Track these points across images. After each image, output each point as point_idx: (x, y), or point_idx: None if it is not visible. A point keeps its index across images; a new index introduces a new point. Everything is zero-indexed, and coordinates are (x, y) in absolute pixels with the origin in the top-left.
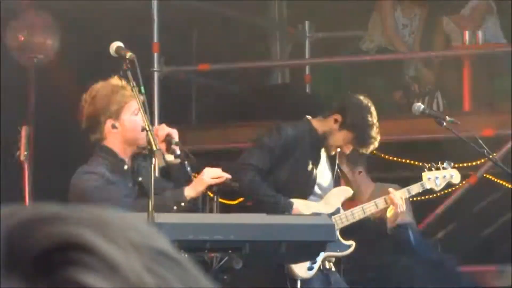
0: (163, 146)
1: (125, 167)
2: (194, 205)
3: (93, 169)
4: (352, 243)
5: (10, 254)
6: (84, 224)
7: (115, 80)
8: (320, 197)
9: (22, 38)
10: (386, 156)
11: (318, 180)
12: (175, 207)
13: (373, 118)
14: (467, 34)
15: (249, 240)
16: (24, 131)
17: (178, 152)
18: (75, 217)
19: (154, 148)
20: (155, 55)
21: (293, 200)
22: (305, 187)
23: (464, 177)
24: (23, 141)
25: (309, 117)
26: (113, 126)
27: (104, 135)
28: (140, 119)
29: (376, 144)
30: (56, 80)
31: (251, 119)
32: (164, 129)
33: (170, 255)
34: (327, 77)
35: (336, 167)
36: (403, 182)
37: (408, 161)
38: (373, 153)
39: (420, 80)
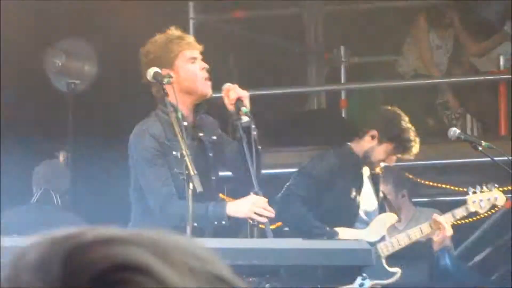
0: (232, 108)
1: (185, 123)
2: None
3: (149, 128)
4: (397, 270)
5: (68, 274)
6: (142, 246)
7: (172, 30)
8: (366, 223)
9: (60, 64)
10: (422, 181)
11: (364, 206)
12: (215, 223)
13: (407, 122)
14: (501, 59)
15: (285, 265)
16: (61, 157)
17: (245, 120)
18: (133, 239)
19: (192, 173)
20: None
21: (338, 229)
22: (350, 215)
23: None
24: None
25: (349, 143)
26: (168, 76)
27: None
28: (198, 68)
29: (417, 146)
30: (93, 106)
31: (287, 144)
32: (235, 91)
33: (227, 280)
34: (362, 102)
35: (381, 191)
36: (440, 207)
37: (445, 185)
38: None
39: (449, 104)
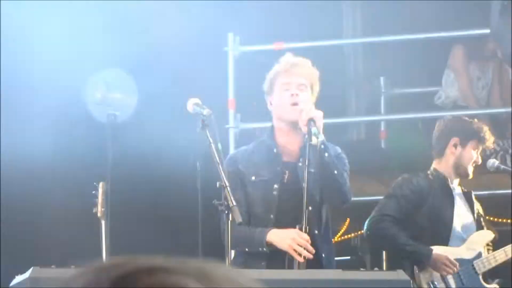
0: (304, 129)
1: (274, 150)
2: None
3: (239, 155)
4: (495, 286)
5: None
6: (187, 275)
7: (286, 56)
8: (463, 240)
9: (100, 95)
10: None
11: (460, 223)
12: (259, 249)
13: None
14: None
15: None
16: (101, 187)
17: (313, 142)
18: (178, 267)
19: (231, 204)
20: (230, 111)
21: (433, 247)
22: (443, 233)
23: None
24: (100, 197)
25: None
26: (270, 103)
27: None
28: (287, 95)
29: (491, 134)
30: (133, 137)
31: None
32: (307, 112)
33: None
34: (402, 133)
35: (476, 208)
36: None
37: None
38: None
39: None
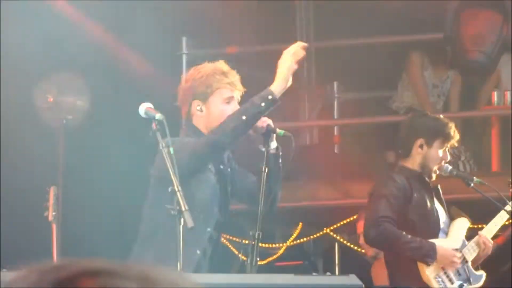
0: (259, 138)
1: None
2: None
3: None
4: (482, 273)
5: None
6: (129, 278)
7: (220, 64)
8: (445, 232)
9: (51, 99)
10: None
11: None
12: (262, 104)
13: (430, 114)
14: (495, 95)
15: None
16: (52, 192)
17: (274, 147)
18: (121, 271)
19: (183, 208)
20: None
21: (432, 240)
22: (433, 226)
23: (493, 237)
24: (51, 201)
25: (401, 163)
26: (199, 109)
27: (190, 115)
28: (230, 110)
29: (455, 132)
30: (85, 141)
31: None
32: (261, 120)
33: None
34: (355, 138)
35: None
36: None
37: None
38: None
39: None
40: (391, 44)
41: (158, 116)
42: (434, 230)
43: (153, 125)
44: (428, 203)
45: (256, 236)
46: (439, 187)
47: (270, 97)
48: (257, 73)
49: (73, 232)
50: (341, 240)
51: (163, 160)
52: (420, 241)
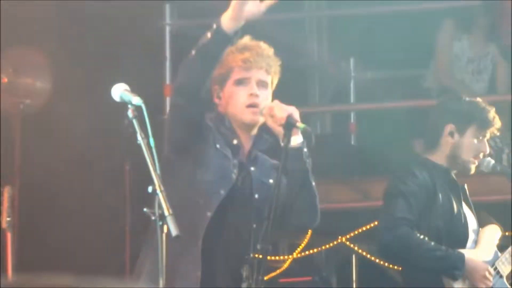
0: (280, 131)
1: (234, 141)
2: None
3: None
4: None
5: None
6: None
7: (245, 38)
8: (474, 241)
9: (6, 80)
10: None
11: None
12: (208, 34)
13: (466, 97)
14: None
15: None
16: (6, 193)
17: (298, 142)
18: None
19: (167, 213)
20: (167, 99)
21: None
22: (461, 234)
23: None
24: (5, 204)
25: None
26: (217, 96)
27: (215, 103)
28: (245, 95)
29: (495, 118)
30: (46, 130)
31: None
32: (282, 109)
33: None
34: (376, 126)
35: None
36: None
37: None
38: None
39: None
40: (420, 12)
41: (136, 100)
42: (461, 238)
43: (130, 112)
44: (455, 206)
45: (264, 251)
46: (465, 187)
47: (214, 25)
48: None
49: (32, 241)
50: (359, 251)
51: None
52: (446, 250)
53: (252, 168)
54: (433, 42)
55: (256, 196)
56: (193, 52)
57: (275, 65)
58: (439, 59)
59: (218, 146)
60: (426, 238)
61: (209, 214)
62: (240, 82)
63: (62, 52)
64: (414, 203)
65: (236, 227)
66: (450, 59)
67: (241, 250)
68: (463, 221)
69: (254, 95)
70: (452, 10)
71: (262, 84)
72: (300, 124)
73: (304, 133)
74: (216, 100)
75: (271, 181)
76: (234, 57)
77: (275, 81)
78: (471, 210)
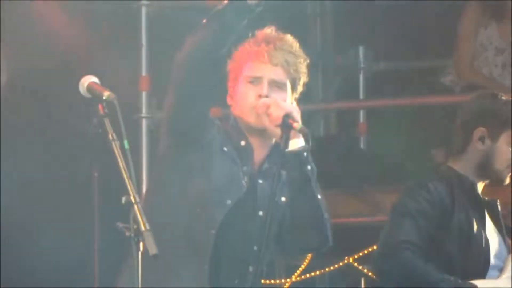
0: (278, 132)
1: (242, 142)
2: None
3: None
4: None
5: None
6: None
7: (266, 30)
8: (499, 269)
9: None
10: None
11: (492, 245)
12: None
13: (502, 96)
14: None
15: None
16: None
17: (299, 146)
18: None
19: (143, 228)
20: (144, 94)
21: (474, 281)
22: (479, 261)
23: None
24: None
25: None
26: (229, 94)
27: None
28: (253, 95)
29: None
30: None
31: None
32: (279, 107)
33: None
34: (389, 127)
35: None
36: None
37: None
38: None
39: None
40: None
41: (107, 95)
42: (480, 265)
43: (99, 108)
44: (476, 226)
45: (258, 273)
46: (498, 203)
47: None
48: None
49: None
50: (370, 273)
51: None
52: (455, 281)
53: (260, 181)
54: (456, 28)
55: (261, 213)
56: (205, 20)
57: (298, 63)
58: (461, 49)
59: (225, 149)
60: (433, 267)
61: (213, 232)
62: (251, 80)
63: (22, 36)
64: (424, 225)
65: (234, 248)
66: (474, 49)
67: (238, 275)
68: (484, 245)
69: (263, 96)
70: None
71: (276, 84)
72: (296, 125)
73: (301, 135)
74: (229, 100)
75: (283, 199)
76: (249, 50)
77: (300, 82)
78: (501, 232)
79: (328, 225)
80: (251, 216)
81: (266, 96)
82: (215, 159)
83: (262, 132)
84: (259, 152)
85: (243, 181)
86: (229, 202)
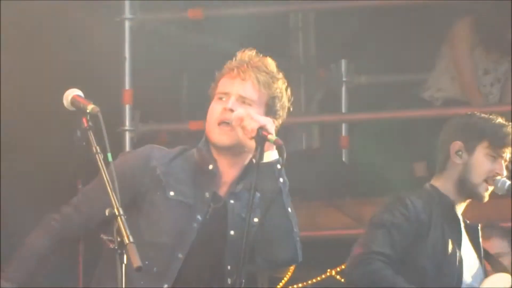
0: (252, 145)
1: (210, 166)
2: None
3: (155, 151)
4: None
5: None
6: None
7: (247, 52)
8: None
9: None
10: None
11: (467, 267)
12: None
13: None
14: None
15: None
16: None
17: (272, 159)
18: None
19: (126, 240)
20: (127, 107)
21: None
22: (451, 278)
23: None
24: None
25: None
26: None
27: None
28: (220, 109)
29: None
30: None
31: None
32: (252, 119)
33: None
34: (371, 140)
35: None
36: None
37: None
38: None
39: None
40: (423, 5)
41: (91, 108)
42: (452, 284)
43: (83, 121)
44: (450, 246)
45: (237, 285)
46: (479, 227)
47: None
48: (225, 43)
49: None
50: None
51: None
52: None
53: (232, 201)
54: (439, 42)
55: (232, 232)
56: None
57: (271, 83)
58: (460, 70)
59: (171, 193)
60: (403, 279)
61: (180, 255)
62: (220, 96)
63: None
64: (398, 239)
65: (206, 269)
66: (473, 72)
67: None
68: (457, 264)
69: (227, 109)
70: (460, 11)
71: (243, 100)
72: (270, 137)
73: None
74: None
75: (255, 220)
76: (225, 70)
77: (277, 105)
78: (478, 253)
79: (298, 239)
80: (222, 236)
81: (231, 110)
82: (161, 209)
83: (230, 150)
84: (230, 173)
85: (194, 225)
86: (180, 256)
